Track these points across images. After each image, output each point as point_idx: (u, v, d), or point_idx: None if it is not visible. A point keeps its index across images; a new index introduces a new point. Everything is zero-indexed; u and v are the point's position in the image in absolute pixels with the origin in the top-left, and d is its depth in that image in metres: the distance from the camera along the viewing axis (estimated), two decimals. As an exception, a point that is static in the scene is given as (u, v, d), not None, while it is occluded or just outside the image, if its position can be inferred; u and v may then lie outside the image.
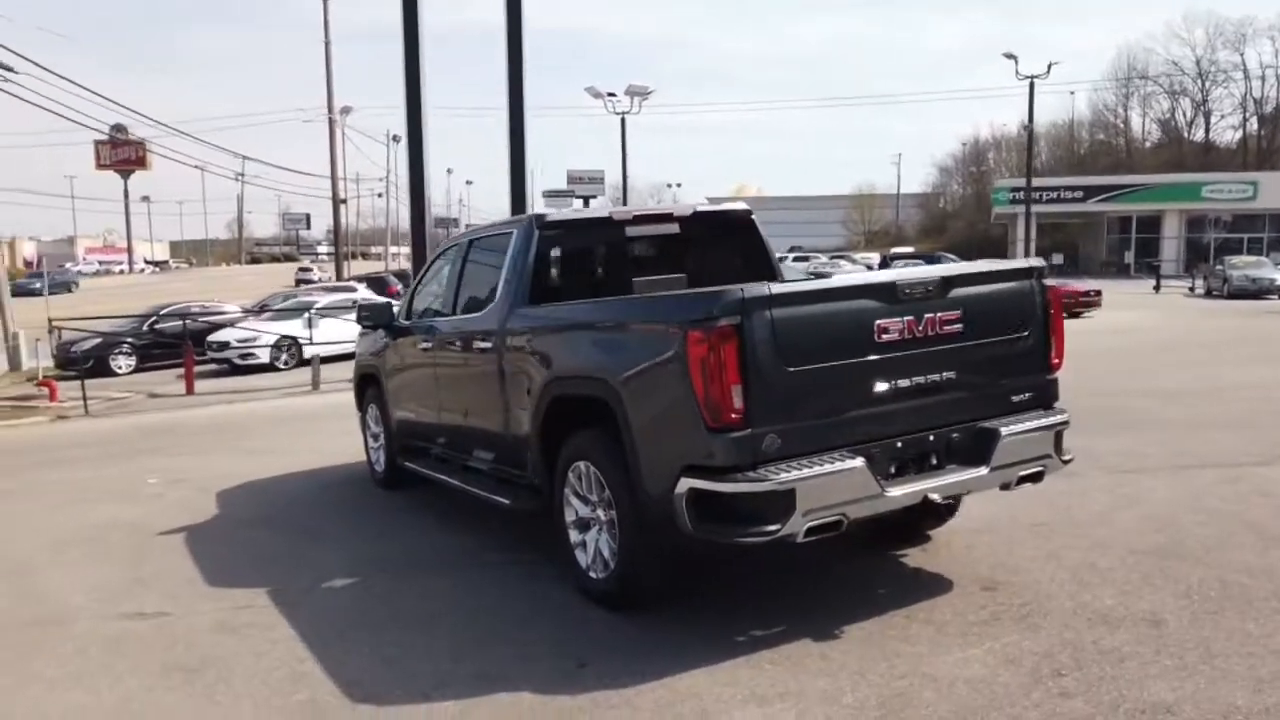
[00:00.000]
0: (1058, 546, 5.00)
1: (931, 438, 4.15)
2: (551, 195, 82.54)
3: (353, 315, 19.51)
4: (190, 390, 16.22)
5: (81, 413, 14.19)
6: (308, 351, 17.69)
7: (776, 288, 3.81)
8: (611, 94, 32.28)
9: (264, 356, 18.70)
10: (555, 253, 5.38)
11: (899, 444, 4.05)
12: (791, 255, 48.59)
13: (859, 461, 3.81)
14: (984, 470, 4.14)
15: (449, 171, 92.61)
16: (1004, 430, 4.20)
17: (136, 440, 11.16)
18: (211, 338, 19.12)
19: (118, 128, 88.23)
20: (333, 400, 13.17)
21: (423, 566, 5.38)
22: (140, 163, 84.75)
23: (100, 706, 3.80)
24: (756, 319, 3.68)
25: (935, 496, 4.04)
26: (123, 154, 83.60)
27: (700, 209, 5.91)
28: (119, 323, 21.47)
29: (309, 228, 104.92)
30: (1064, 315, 4.69)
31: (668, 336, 3.86)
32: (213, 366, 19.16)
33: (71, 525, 6.85)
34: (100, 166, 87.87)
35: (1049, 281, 4.51)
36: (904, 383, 4.04)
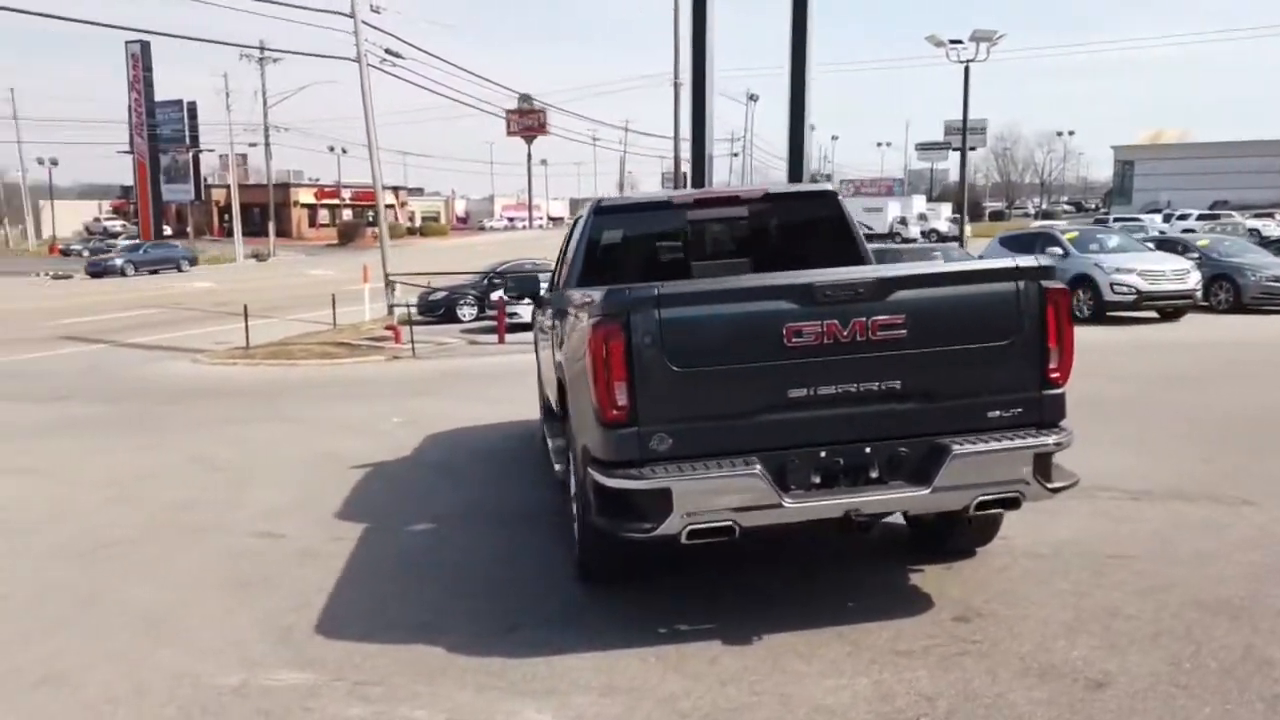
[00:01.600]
0: (1100, 584, 4.38)
1: (868, 450, 3.86)
2: (924, 148, 79.04)
3: None
4: (501, 340, 18.25)
5: (410, 355, 16.60)
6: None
7: (667, 287, 3.77)
8: (956, 41, 30.24)
9: (527, 316, 20.22)
10: (612, 237, 5.57)
11: (822, 453, 3.83)
12: (1195, 213, 42.66)
13: (754, 468, 3.68)
14: (924, 491, 3.78)
15: (811, 128, 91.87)
16: (956, 449, 3.79)
17: (426, 382, 12.95)
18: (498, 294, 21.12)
19: (524, 98, 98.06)
20: None
21: (492, 521, 5.93)
22: (541, 129, 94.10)
23: (143, 597, 4.78)
24: (643, 318, 3.69)
25: (868, 512, 3.79)
26: (527, 121, 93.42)
27: (773, 190, 5.77)
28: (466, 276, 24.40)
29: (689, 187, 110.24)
30: (1071, 321, 4.04)
31: (582, 331, 3.99)
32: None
33: (303, 451, 8.32)
34: (510, 134, 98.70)
35: (1051, 283, 3.92)
36: (827, 390, 3.80)
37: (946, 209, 64.34)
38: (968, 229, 52.24)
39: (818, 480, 3.84)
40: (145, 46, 52.74)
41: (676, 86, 37.46)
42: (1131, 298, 15.96)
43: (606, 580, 4.57)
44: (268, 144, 54.78)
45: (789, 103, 16.61)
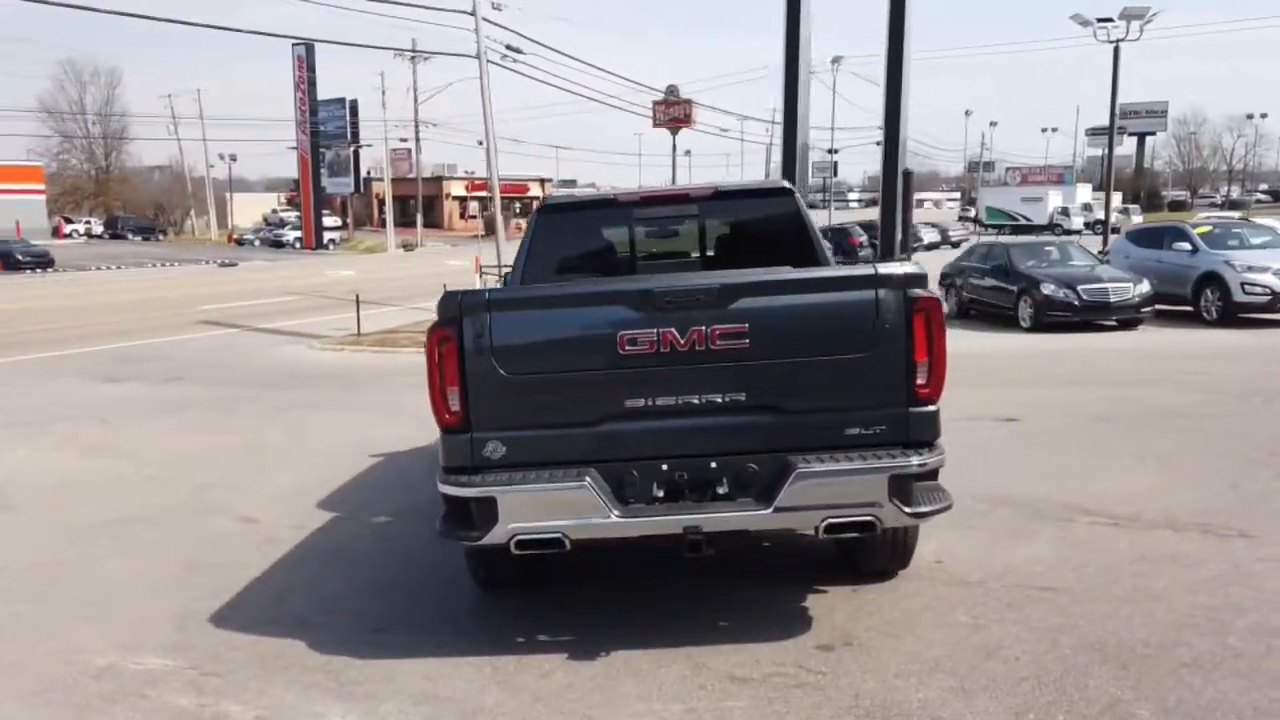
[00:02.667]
0: (1003, 620, 4.04)
1: (714, 465, 3.69)
2: (1095, 133, 74.27)
3: None
4: None
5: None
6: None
7: (499, 291, 3.71)
8: (1105, 20, 28.23)
9: None
10: (558, 236, 5.52)
11: (664, 466, 3.69)
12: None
13: (582, 481, 3.59)
14: (766, 510, 3.58)
15: (967, 114, 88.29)
16: (800, 468, 3.57)
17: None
18: None
19: (670, 89, 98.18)
20: None
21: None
22: (686, 120, 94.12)
23: (108, 576, 5.09)
24: (474, 324, 3.65)
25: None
26: (673, 113, 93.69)
27: (723, 187, 5.55)
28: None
29: (835, 175, 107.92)
30: (943, 335, 3.71)
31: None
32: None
33: (347, 438, 8.65)
34: (656, 125, 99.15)
35: (919, 292, 3.62)
36: (666, 400, 3.66)
37: (1118, 198, 60.48)
38: (1138, 218, 48.96)
39: (661, 494, 3.71)
40: (310, 49, 55.90)
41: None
42: (1265, 298, 14.58)
43: (496, 586, 4.55)
44: (417, 139, 57.20)
45: (885, 86, 16.07)
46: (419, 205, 60.75)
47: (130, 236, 70.31)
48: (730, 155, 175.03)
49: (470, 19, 25.32)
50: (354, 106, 63.09)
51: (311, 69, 57.65)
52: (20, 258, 41.53)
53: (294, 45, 55.11)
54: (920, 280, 3.67)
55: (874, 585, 4.48)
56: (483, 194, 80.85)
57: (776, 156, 22.40)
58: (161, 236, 73.78)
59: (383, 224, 63.76)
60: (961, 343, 14.23)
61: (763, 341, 3.62)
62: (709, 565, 4.66)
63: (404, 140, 60.15)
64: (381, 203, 68.93)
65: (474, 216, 77.24)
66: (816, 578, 4.56)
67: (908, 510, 3.61)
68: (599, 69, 62.04)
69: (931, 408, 3.70)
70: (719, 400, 3.66)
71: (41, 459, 8.31)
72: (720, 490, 3.70)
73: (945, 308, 3.81)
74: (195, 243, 67.10)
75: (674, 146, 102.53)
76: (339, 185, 65.45)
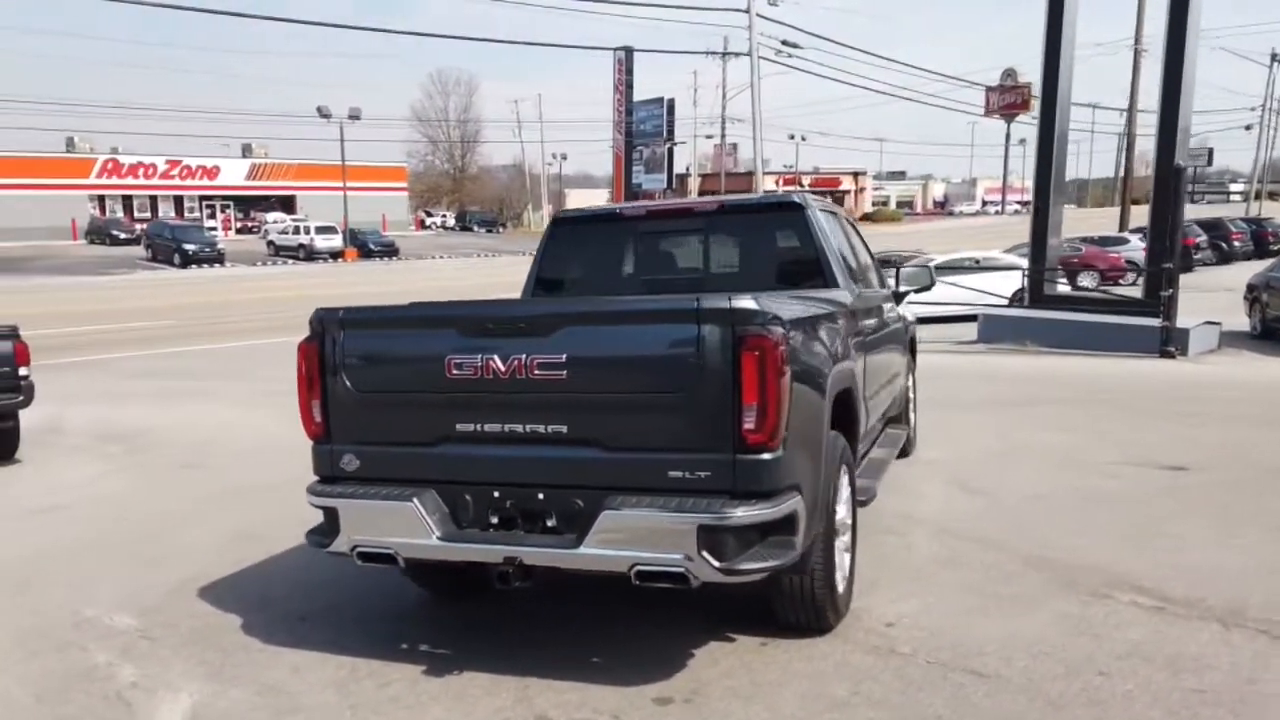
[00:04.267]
0: (882, 703, 3.56)
1: (541, 496, 3.60)
2: None
3: (997, 273, 18.79)
4: None
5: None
6: (917, 310, 17.75)
7: (352, 310, 3.84)
8: None
9: None
10: (567, 250, 5.56)
11: (495, 494, 3.66)
12: None
13: (408, 500, 3.66)
14: (575, 550, 3.44)
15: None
16: (607, 508, 3.39)
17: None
18: None
19: (1007, 73, 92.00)
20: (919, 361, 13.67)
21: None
22: (1024, 106, 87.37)
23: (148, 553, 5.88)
24: (330, 339, 3.84)
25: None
26: (1007, 99, 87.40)
27: (730, 201, 5.28)
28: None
29: (1210, 164, 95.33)
30: (778, 379, 3.29)
31: None
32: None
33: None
34: (988, 112, 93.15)
35: (750, 329, 3.28)
36: (493, 427, 3.63)
37: None
38: None
39: (495, 521, 3.70)
40: (629, 54, 58.99)
41: (1137, 53, 33.24)
42: None
43: (431, 591, 4.71)
44: (723, 136, 58.22)
45: (1164, 65, 14.05)
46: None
47: (475, 229, 78.34)
48: (1079, 144, 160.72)
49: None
50: (670, 105, 65.59)
51: (629, 72, 60.72)
52: (372, 246, 47.96)
53: (614, 51, 58.34)
54: (750, 316, 3.32)
55: (791, 640, 4.12)
56: (793, 189, 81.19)
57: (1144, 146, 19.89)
58: (501, 229, 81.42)
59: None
60: (1240, 369, 12.31)
61: (581, 373, 3.48)
62: (656, 597, 4.51)
63: (710, 137, 61.49)
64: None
65: (785, 211, 77.47)
66: (745, 625, 4.25)
67: (718, 565, 3.32)
68: (885, 59, 58.95)
69: (766, 456, 3.36)
70: (542, 431, 3.58)
71: (257, 423, 9.65)
72: (549, 523, 3.61)
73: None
74: (528, 235, 73.26)
75: (1007, 136, 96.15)
76: (653, 181, 68.35)
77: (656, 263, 5.46)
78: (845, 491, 4.41)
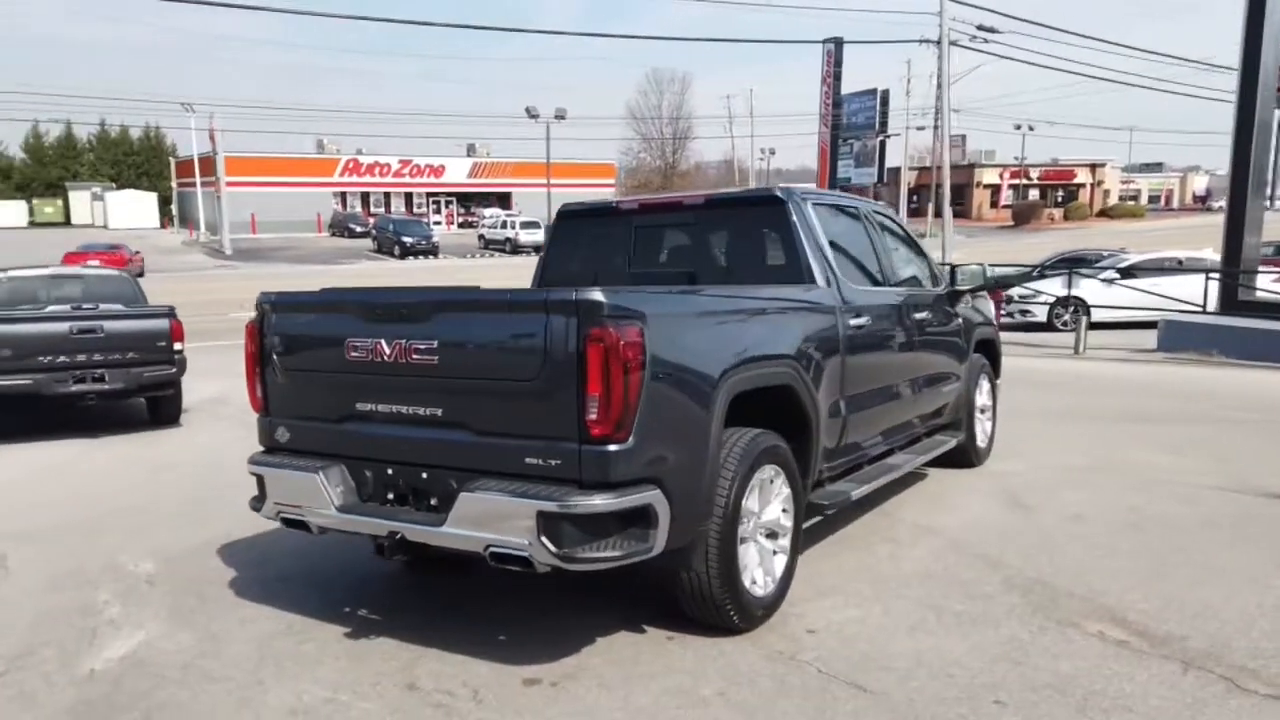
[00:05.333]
0: (769, 707, 3.50)
1: (425, 475, 3.80)
2: None
3: (1199, 277, 16.94)
4: None
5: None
6: (1097, 315, 16.57)
7: (280, 294, 4.15)
8: None
9: (1041, 315, 17.95)
10: (570, 242, 5.70)
11: (389, 471, 3.89)
12: None
13: (314, 472, 3.95)
14: (442, 528, 3.61)
15: None
16: (463, 492, 3.53)
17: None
18: (1011, 291, 19.03)
19: None
20: (1082, 369, 12.95)
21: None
22: (1294, 89, 78.16)
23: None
24: (266, 320, 4.19)
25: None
26: None
27: (716, 196, 5.21)
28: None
29: None
30: (624, 373, 3.29)
31: None
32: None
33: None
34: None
35: (597, 322, 3.30)
36: (385, 408, 3.86)
37: None
38: None
39: (391, 497, 3.93)
40: (839, 45, 57.55)
41: None
42: None
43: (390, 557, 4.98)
44: (936, 126, 55.64)
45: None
46: (932, 194, 59.27)
47: (684, 223, 79.26)
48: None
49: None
50: (884, 96, 63.46)
51: (839, 64, 59.27)
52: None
53: (824, 42, 57.30)
54: (598, 308, 3.35)
55: (699, 637, 4.10)
56: (1020, 181, 76.23)
57: None
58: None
59: (911, 214, 63.47)
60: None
61: (450, 359, 3.66)
62: (605, 585, 4.61)
63: (921, 128, 59.03)
64: (912, 192, 68.63)
65: (1007, 206, 73.18)
66: (669, 619, 4.25)
67: (555, 551, 3.39)
68: (1109, 42, 54.06)
69: (611, 447, 3.38)
70: (422, 413, 3.77)
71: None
72: (432, 502, 3.80)
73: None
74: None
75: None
76: (863, 175, 66.43)
77: (648, 256, 5.50)
78: (782, 491, 4.31)
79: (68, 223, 65.51)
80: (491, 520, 3.50)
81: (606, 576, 4.00)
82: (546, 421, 3.48)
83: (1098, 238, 39.48)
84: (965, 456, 7.03)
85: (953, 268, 6.77)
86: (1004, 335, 16.62)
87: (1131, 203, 76.37)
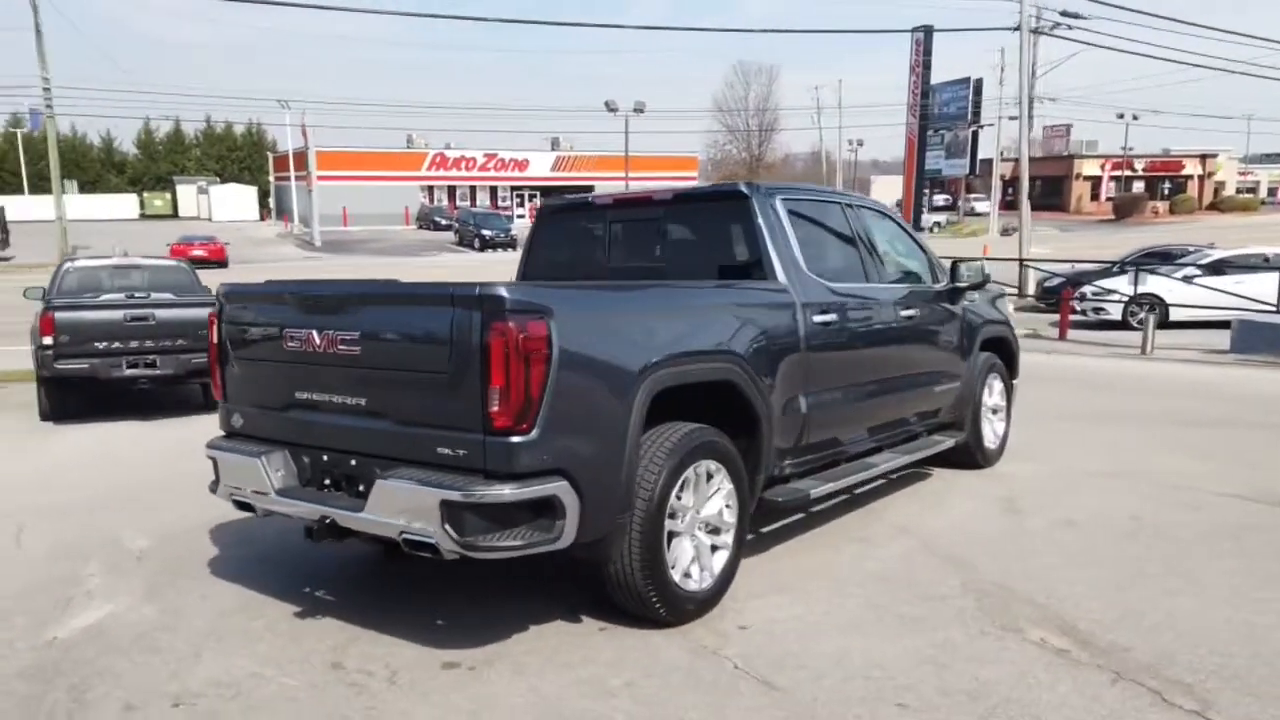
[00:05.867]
0: (669, 699, 3.53)
1: (353, 462, 3.93)
2: None
3: (1259, 274, 16.02)
4: (1062, 335, 16.45)
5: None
6: (1176, 314, 15.83)
7: (232, 286, 4.33)
8: None
9: (1115, 313, 17.16)
10: (551, 237, 5.78)
11: (325, 458, 4.03)
12: None
13: (256, 457, 4.13)
14: (361, 514, 3.74)
15: None
16: (378, 479, 3.65)
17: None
18: (1083, 289, 18.25)
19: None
20: (1145, 370, 12.55)
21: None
22: None
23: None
24: (222, 311, 4.39)
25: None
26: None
27: (683, 191, 5.21)
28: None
29: None
30: (524, 366, 3.38)
31: None
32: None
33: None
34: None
35: (500, 316, 3.38)
36: (319, 397, 4.01)
37: None
38: None
39: (328, 483, 4.07)
40: (928, 33, 56.24)
41: None
42: None
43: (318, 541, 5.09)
44: (1023, 115, 53.80)
45: None
46: (1024, 186, 57.41)
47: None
48: None
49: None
50: (978, 86, 61.74)
51: (928, 53, 57.93)
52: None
53: (912, 31, 56.07)
54: (500, 302, 3.41)
55: (629, 629, 4.15)
56: (1122, 173, 73.07)
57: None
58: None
59: (1006, 206, 61.61)
60: None
61: (369, 350, 3.79)
62: (549, 572, 4.71)
63: (1014, 118, 57.12)
64: (1007, 184, 66.56)
65: (1109, 199, 70.31)
66: (606, 610, 4.29)
67: (457, 539, 3.47)
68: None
69: (514, 439, 3.46)
70: (349, 402, 3.90)
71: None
72: (360, 488, 3.93)
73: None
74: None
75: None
76: (954, 167, 64.86)
77: (624, 251, 5.53)
78: (724, 487, 4.31)
79: (175, 215, 68.76)
80: (403, 508, 3.61)
81: (559, 565, 4.07)
82: (455, 413, 3.57)
83: (1202, 232, 37.47)
84: (970, 457, 6.86)
85: (954, 263, 6.57)
86: (1075, 334, 16.27)
87: (1246, 195, 72.57)
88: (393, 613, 4.35)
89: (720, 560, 4.36)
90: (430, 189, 64.86)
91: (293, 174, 56.33)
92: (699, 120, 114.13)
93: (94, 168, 74.92)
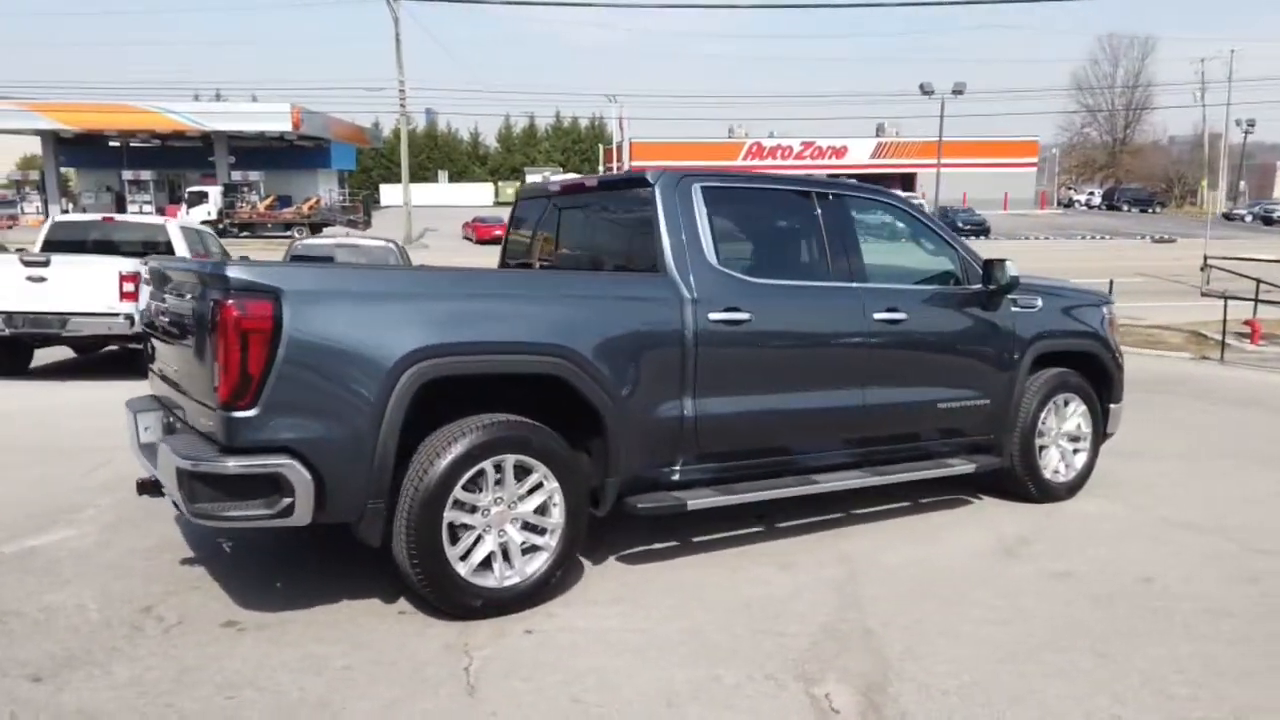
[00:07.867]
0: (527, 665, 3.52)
1: (178, 428, 4.24)
2: None
3: None
4: (1254, 341, 14.39)
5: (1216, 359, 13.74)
6: None
7: (152, 259, 4.78)
8: None
9: None
10: (522, 224, 5.77)
11: (169, 419, 4.41)
12: None
13: (130, 413, 4.60)
14: (154, 474, 4.06)
15: None
16: (161, 444, 3.95)
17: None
18: None
19: None
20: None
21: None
22: None
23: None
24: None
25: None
26: None
27: (605, 178, 4.97)
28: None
29: None
30: (241, 344, 3.54)
31: None
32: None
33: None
34: None
35: (226, 296, 3.54)
36: (164, 366, 4.36)
37: None
38: None
39: None
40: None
41: None
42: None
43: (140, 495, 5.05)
44: None
45: None
46: None
47: (1125, 208, 70.91)
48: None
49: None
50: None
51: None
52: (960, 225, 46.68)
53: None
54: (226, 283, 3.55)
55: (421, 617, 4.10)
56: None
57: None
58: (1160, 208, 72.32)
59: None
60: None
61: (171, 323, 4.07)
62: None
63: None
64: None
65: None
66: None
67: (188, 506, 3.66)
68: None
69: (236, 414, 3.59)
70: (169, 370, 4.23)
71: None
72: None
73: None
74: (1190, 217, 63.93)
75: None
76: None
77: (568, 238, 5.41)
78: (545, 485, 4.15)
79: (522, 201, 75.77)
80: (168, 471, 3.87)
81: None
82: (205, 387, 3.77)
83: None
84: (1021, 487, 5.89)
85: (986, 263, 5.66)
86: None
87: None
88: (250, 570, 4.62)
89: (537, 561, 4.17)
90: (746, 178, 65.85)
91: (615, 164, 59.70)
92: (1054, 99, 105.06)
93: (462, 160, 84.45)
